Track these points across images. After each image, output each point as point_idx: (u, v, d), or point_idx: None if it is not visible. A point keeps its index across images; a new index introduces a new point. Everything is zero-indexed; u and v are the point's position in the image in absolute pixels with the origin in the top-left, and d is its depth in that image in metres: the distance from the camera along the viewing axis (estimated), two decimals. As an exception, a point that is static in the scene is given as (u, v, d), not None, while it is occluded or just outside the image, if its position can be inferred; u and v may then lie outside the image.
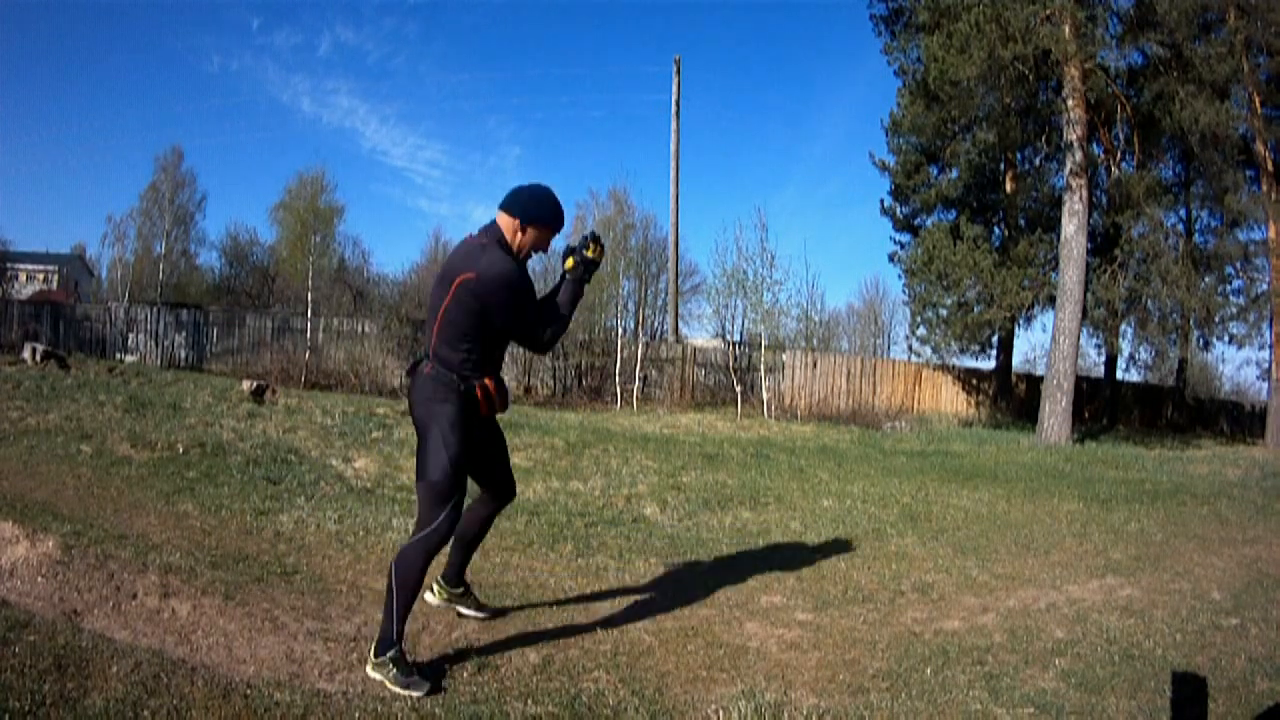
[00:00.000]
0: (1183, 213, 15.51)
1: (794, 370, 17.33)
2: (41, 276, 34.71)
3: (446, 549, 2.67)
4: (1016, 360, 19.45)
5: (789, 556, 4.13)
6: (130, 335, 17.39)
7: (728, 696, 2.33)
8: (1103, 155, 13.33)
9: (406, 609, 2.34)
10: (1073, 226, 12.09)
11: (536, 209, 2.51)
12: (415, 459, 2.47)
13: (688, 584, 3.54)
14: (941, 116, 14.23)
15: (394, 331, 16.73)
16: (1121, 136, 12.87)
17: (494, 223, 2.51)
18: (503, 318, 2.43)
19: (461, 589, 2.89)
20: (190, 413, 6.73)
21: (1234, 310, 13.76)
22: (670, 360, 17.02)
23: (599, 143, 55.74)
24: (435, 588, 2.84)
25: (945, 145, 15.77)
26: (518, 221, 2.49)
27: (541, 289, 2.63)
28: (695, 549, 4.15)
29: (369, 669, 2.33)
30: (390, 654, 2.30)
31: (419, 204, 61.39)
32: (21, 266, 30.31)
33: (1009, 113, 14.15)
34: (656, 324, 25.05)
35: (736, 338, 18.01)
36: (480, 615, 2.90)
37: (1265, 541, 5.08)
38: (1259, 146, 12.61)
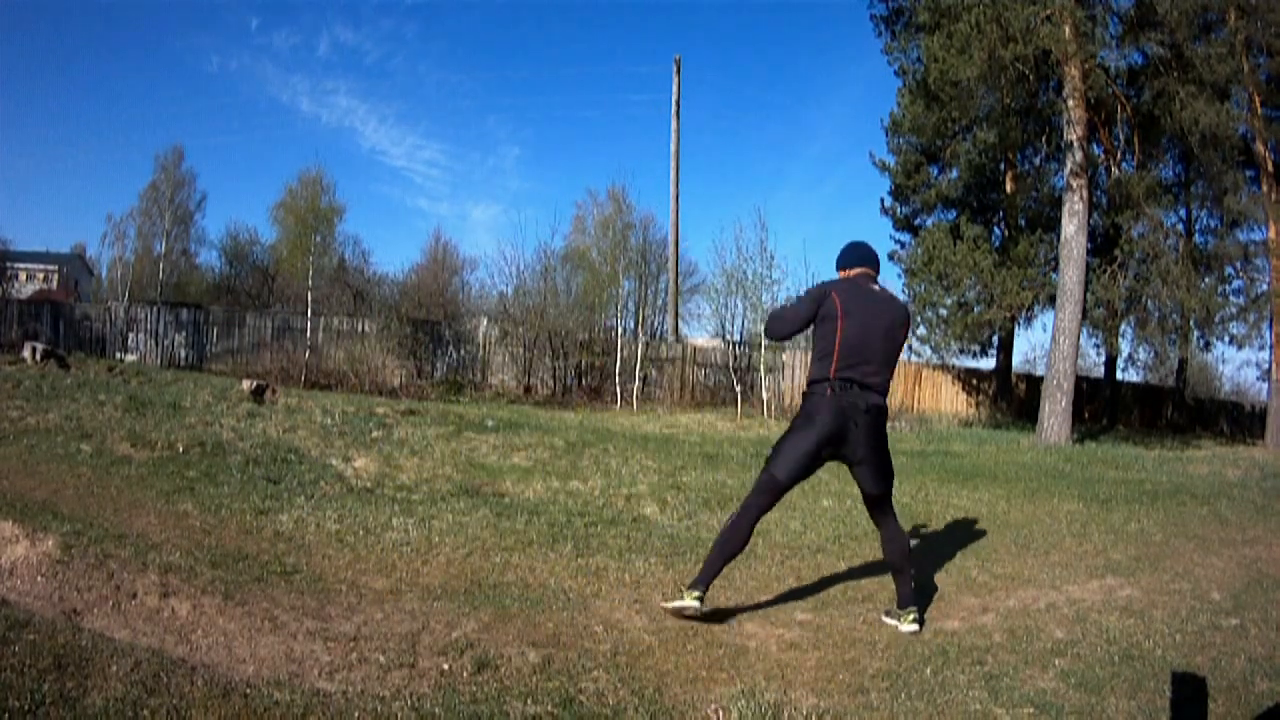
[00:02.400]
0: (1183, 213, 15.51)
1: (794, 370, 17.30)
2: (41, 276, 34.69)
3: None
4: (1016, 360, 19.48)
5: (789, 556, 4.13)
6: (130, 335, 17.39)
7: (728, 696, 2.33)
8: (1103, 155, 13.32)
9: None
10: (1073, 226, 12.08)
11: None
12: (879, 475, 3.02)
13: (688, 584, 3.54)
14: (941, 116, 14.22)
15: (394, 331, 16.72)
16: (1121, 136, 12.86)
17: (868, 274, 3.12)
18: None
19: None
20: (190, 412, 6.72)
21: (1234, 310, 13.74)
22: (670, 360, 17.01)
23: (598, 142, 55.71)
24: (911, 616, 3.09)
25: (945, 145, 15.78)
26: None
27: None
28: (695, 549, 4.15)
29: (906, 626, 3.03)
30: (916, 610, 3.08)
31: (418, 204, 61.38)
32: (21, 266, 30.27)
33: (1009, 113, 14.15)
34: (656, 324, 25.01)
35: (736, 338, 18.03)
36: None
37: (1265, 541, 5.08)
38: (1259, 146, 12.59)
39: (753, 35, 62.81)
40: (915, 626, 3.02)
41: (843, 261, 3.19)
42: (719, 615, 3.08)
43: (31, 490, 4.15)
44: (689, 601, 2.91)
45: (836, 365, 2.91)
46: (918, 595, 3.23)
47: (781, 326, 3.14)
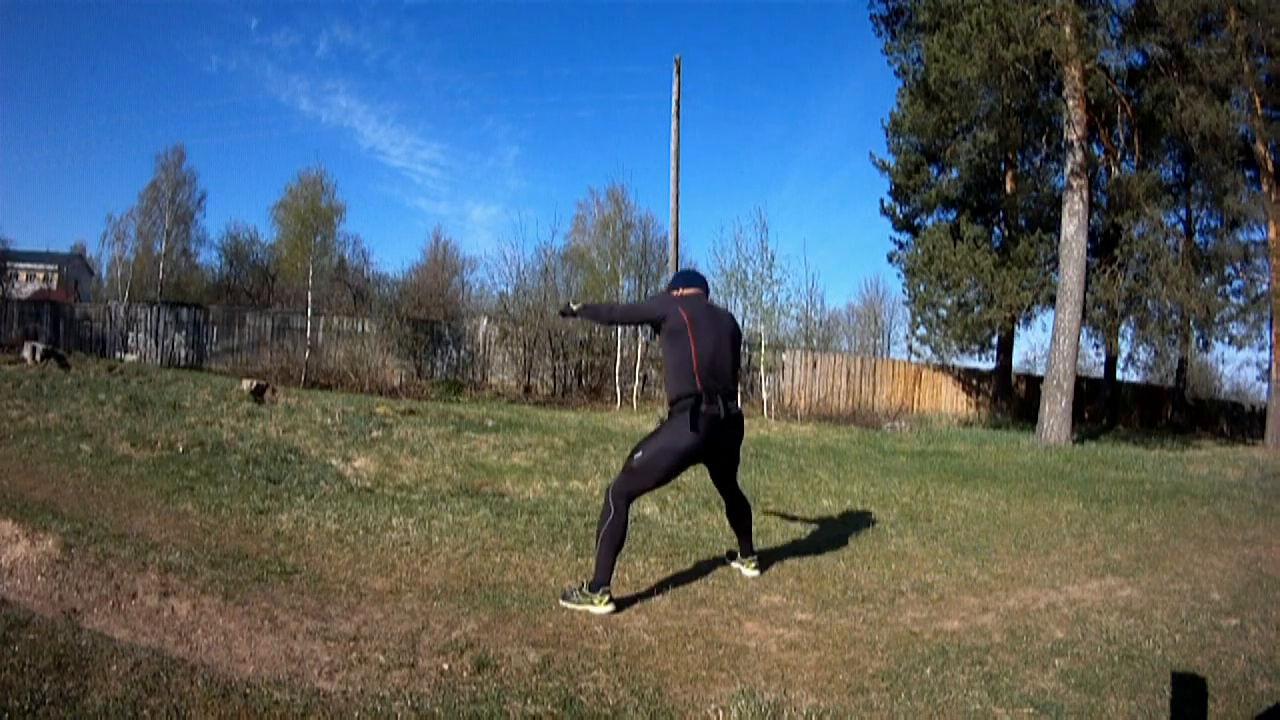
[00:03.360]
0: (1183, 213, 15.50)
1: (794, 370, 17.34)
2: (41, 275, 34.70)
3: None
4: (1016, 360, 19.46)
5: (789, 556, 4.13)
6: (130, 334, 17.39)
7: (727, 696, 2.33)
8: (1103, 155, 13.31)
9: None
10: (1073, 226, 12.08)
11: None
12: (734, 465, 3.48)
13: (688, 584, 3.54)
14: (942, 116, 14.21)
15: (394, 331, 16.73)
16: (1121, 136, 12.85)
17: (700, 294, 3.41)
18: None
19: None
20: (190, 412, 6.72)
21: (1234, 310, 13.74)
22: (670, 360, 16.98)
23: (598, 142, 55.78)
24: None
25: (945, 145, 15.76)
26: None
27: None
28: (695, 549, 4.15)
29: (749, 570, 3.68)
30: (755, 558, 3.75)
31: (418, 204, 61.37)
32: (21, 266, 30.24)
33: (1009, 113, 14.13)
34: (656, 324, 24.96)
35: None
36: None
37: (1265, 542, 5.08)
38: (1259, 147, 12.59)
39: (753, 35, 62.81)
40: (756, 571, 3.62)
41: (677, 282, 3.46)
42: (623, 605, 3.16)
43: (31, 490, 4.15)
44: (600, 608, 3.03)
45: (701, 379, 3.13)
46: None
47: (614, 314, 3.62)
